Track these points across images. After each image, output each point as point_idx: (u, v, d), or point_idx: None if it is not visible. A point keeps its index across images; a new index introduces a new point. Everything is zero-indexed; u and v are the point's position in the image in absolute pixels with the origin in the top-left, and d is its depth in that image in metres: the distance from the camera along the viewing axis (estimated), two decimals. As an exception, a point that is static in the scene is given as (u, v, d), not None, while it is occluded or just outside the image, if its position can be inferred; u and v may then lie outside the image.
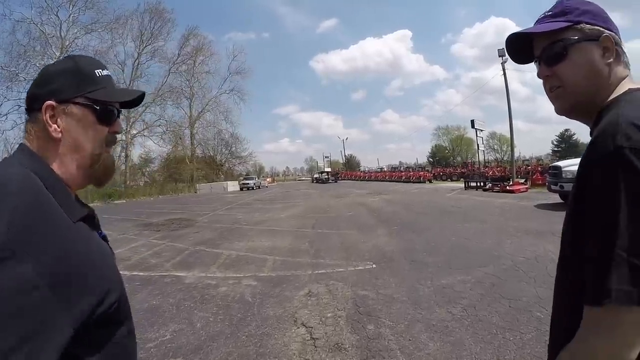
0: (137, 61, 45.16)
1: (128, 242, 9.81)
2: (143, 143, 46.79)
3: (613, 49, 0.84)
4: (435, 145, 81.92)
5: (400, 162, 63.60)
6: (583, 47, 0.85)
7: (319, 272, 6.00)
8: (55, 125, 0.82)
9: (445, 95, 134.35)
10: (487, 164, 40.18)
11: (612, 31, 0.85)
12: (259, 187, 46.94)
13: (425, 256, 6.48)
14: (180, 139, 53.54)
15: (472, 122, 25.59)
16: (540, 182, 21.27)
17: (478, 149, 26.97)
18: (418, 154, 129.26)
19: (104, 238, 0.93)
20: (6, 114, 34.87)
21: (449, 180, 40.10)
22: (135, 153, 50.24)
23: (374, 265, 6.11)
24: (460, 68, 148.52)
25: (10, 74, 34.52)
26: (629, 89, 0.83)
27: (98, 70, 0.90)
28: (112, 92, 0.92)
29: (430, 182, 37.37)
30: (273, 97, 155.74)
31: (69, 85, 0.84)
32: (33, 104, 0.84)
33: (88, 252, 0.78)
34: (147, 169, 52.58)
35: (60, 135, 0.83)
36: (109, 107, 0.90)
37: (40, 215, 0.69)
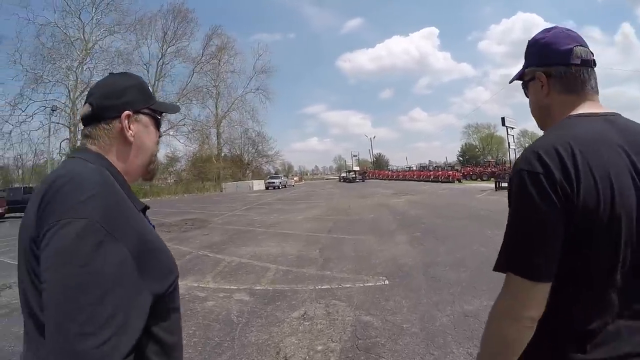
0: (160, 61, 45.34)
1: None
2: (169, 143, 46.97)
3: (546, 84, 1.03)
4: (465, 144, 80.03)
5: (429, 161, 61.82)
6: (530, 86, 1.11)
7: (323, 287, 5.20)
8: (131, 131, 1.01)
9: (474, 93, 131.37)
10: None
11: (552, 62, 1.02)
12: (285, 186, 46.53)
13: (447, 271, 5.58)
14: (207, 138, 53.57)
15: (503, 119, 24.39)
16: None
17: (509, 147, 25.62)
18: (448, 152, 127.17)
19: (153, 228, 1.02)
20: (32, 115, 35.66)
21: (479, 180, 38.81)
22: (162, 152, 50.49)
23: (386, 282, 5.26)
24: (488, 65, 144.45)
25: (36, 76, 35.15)
26: (569, 115, 0.98)
27: (150, 87, 1.19)
28: (163, 105, 1.15)
29: (460, 181, 36.09)
30: (301, 96, 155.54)
31: (139, 99, 1.05)
32: (107, 113, 0.99)
33: (154, 236, 0.94)
34: (174, 168, 52.78)
35: (133, 138, 1.01)
36: (160, 116, 1.13)
37: (120, 205, 0.85)
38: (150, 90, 1.12)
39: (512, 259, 0.90)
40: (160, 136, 1.15)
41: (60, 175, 0.83)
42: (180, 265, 6.16)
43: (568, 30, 1.03)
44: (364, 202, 19.02)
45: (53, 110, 33.49)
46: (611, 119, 0.96)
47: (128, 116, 1.00)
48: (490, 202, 15.69)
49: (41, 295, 0.75)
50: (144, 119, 1.05)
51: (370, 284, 5.19)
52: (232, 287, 5.44)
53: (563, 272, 0.86)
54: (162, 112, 1.13)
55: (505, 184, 21.04)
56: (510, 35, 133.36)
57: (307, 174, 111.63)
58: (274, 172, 59.78)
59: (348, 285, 5.18)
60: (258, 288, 5.34)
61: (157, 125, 1.11)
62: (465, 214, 11.92)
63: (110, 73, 1.09)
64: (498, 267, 0.94)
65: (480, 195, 19.03)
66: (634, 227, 0.85)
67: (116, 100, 1.00)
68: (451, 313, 3.97)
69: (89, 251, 0.73)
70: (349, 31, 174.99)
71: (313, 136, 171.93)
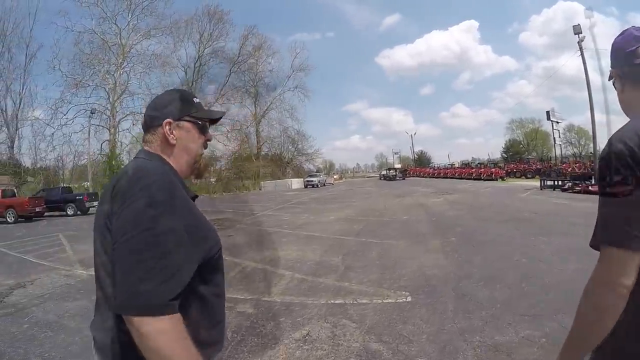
0: (197, 62, 45.77)
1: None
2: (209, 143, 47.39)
3: (619, 82, 1.16)
4: (509, 140, 76.54)
5: (472, 157, 59.85)
6: (615, 85, 1.20)
7: (336, 302, 4.63)
8: (172, 135, 1.23)
9: (517, 87, 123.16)
10: (564, 160, 36.58)
11: (622, 64, 1.14)
12: (323, 184, 46.09)
13: (481, 288, 4.85)
14: (246, 137, 53.82)
15: (548, 113, 23.04)
16: (630, 179, 18.25)
17: (555, 142, 24.06)
18: (491, 148, 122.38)
19: None
20: (73, 118, 36.88)
21: (524, 177, 36.89)
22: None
23: (408, 298, 4.61)
24: (530, 57, 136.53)
25: (75, 81, 36.34)
26: None
27: (195, 99, 1.33)
28: (205, 112, 1.35)
29: (503, 179, 34.38)
30: (341, 94, 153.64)
31: (179, 109, 1.26)
32: (154, 122, 1.25)
33: (200, 214, 1.18)
34: (214, 167, 53.36)
35: (175, 141, 1.23)
36: (204, 122, 1.32)
37: (176, 189, 1.10)
38: (194, 99, 1.32)
39: (609, 232, 0.97)
40: (208, 140, 1.34)
41: (129, 168, 1.15)
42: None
43: (637, 30, 1.11)
44: (401, 201, 18.22)
45: (92, 113, 34.56)
46: None
47: (169, 123, 1.22)
48: (534, 202, 14.56)
49: (111, 265, 1.00)
50: (186, 125, 1.26)
51: (389, 301, 4.56)
52: (238, 296, 4.97)
53: None
54: (204, 118, 1.31)
55: (550, 182, 19.68)
56: (552, 25, 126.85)
57: (348, 172, 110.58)
58: (315, 170, 59.56)
59: (364, 302, 4.57)
60: (265, 299, 4.86)
61: (201, 129, 1.30)
62: (506, 217, 10.96)
63: (167, 91, 1.34)
64: (595, 243, 1.02)
65: (523, 195, 17.81)
66: None
67: (159, 111, 1.24)
68: (480, 343, 3.28)
69: (151, 220, 0.98)
70: (387, 27, 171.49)
71: (355, 134, 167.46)
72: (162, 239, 0.97)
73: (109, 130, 37.00)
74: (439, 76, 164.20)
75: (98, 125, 36.97)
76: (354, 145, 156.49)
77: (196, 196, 1.26)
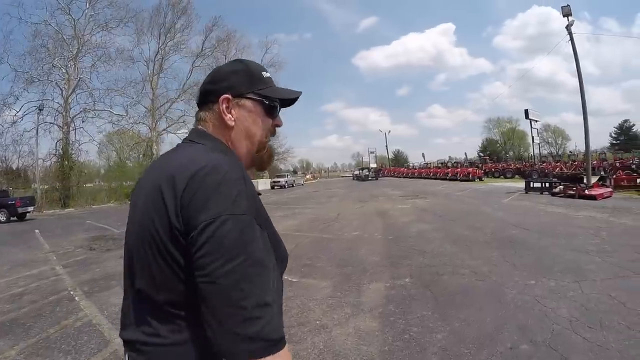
0: (158, 55, 42.01)
1: (32, 266, 7.53)
2: (173, 141, 44.09)
3: None
4: (486, 139, 77.63)
5: (449, 157, 57.91)
6: None
7: None
8: (230, 115, 1.01)
9: (492, 88, 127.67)
10: (543, 159, 34.67)
11: None
12: (292, 185, 43.89)
13: None
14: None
15: (526, 111, 21.08)
16: (625, 182, 15.71)
17: (533, 141, 22.18)
18: (468, 148, 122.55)
19: None
20: (22, 116, 33.14)
21: (503, 177, 34.61)
22: (165, 150, 47.78)
23: None
24: (505, 60, 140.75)
25: (26, 75, 32.67)
26: None
27: (263, 72, 1.07)
28: (277, 90, 1.08)
29: (481, 179, 31.93)
30: (319, 94, 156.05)
31: (242, 83, 1.02)
32: (209, 97, 1.03)
33: (269, 217, 0.97)
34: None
35: (233, 123, 1.01)
36: (274, 102, 1.07)
37: (257, 197, 0.90)
38: (262, 73, 1.08)
39: None
40: (277, 125, 1.12)
41: (199, 165, 0.86)
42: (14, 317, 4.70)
43: None
44: (361, 208, 15.20)
45: (40, 110, 30.94)
46: None
47: (226, 100, 1.01)
48: (521, 211, 11.66)
49: (173, 277, 0.85)
50: (248, 103, 1.04)
51: None
52: None
53: None
54: (275, 98, 1.07)
55: (537, 184, 16.96)
56: (526, 29, 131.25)
57: (323, 172, 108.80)
58: (292, 170, 57.69)
59: None
60: None
61: (269, 111, 1.07)
62: (488, 236, 8.00)
63: (230, 61, 1.11)
64: None
65: (506, 200, 14.95)
66: None
67: (217, 84, 1.03)
68: None
69: (250, 243, 0.80)
70: (365, 29, 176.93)
71: (333, 133, 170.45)
72: (263, 266, 0.81)
73: (62, 128, 33.36)
74: (415, 77, 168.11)
75: (52, 124, 33.13)
76: (332, 144, 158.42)
77: (259, 193, 1.07)
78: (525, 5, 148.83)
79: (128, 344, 0.94)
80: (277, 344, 0.78)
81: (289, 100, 1.13)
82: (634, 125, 62.08)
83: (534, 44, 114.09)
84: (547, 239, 7.29)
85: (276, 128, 1.11)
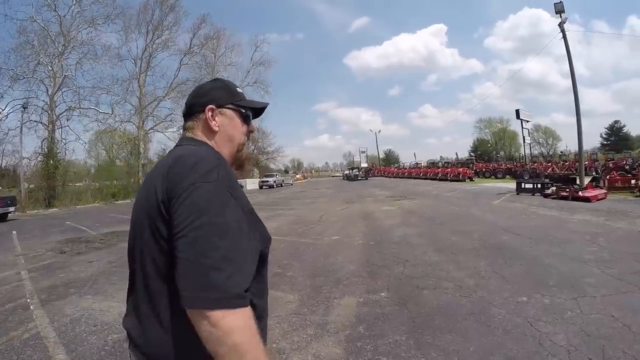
0: (145, 52, 40.93)
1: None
2: (161, 140, 43.30)
3: None
4: (477, 139, 78.26)
5: (440, 157, 57.53)
6: None
7: None
8: (215, 122, 1.18)
9: (483, 89, 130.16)
10: (534, 159, 34.37)
11: None
12: (281, 185, 43.22)
13: None
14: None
15: (517, 111, 20.65)
16: (619, 183, 15.23)
17: (524, 141, 21.68)
18: (459, 148, 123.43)
19: None
20: (7, 114, 32.16)
21: (493, 177, 34.17)
22: (152, 151, 47.03)
23: None
24: (496, 61, 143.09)
25: (10, 73, 31.61)
26: None
27: (238, 88, 1.28)
28: (249, 101, 1.28)
29: (472, 180, 31.40)
30: (310, 94, 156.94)
31: (223, 96, 1.21)
32: (195, 109, 1.20)
33: (250, 205, 1.08)
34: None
35: (217, 128, 1.19)
36: (248, 111, 1.26)
37: (233, 177, 1.03)
38: (237, 89, 1.28)
39: None
40: (251, 131, 1.29)
41: (182, 153, 1.04)
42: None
43: None
44: (347, 209, 14.57)
45: (24, 108, 29.96)
46: None
47: (211, 109, 1.18)
48: (513, 214, 11.07)
49: (163, 255, 0.95)
50: (229, 112, 1.21)
51: None
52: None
53: None
54: (248, 107, 1.26)
55: (529, 185, 16.42)
56: (517, 31, 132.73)
57: (313, 171, 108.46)
58: (283, 170, 57.04)
59: None
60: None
61: (244, 119, 1.25)
62: (476, 242, 7.39)
63: (210, 80, 1.32)
64: None
65: (497, 202, 14.37)
66: None
67: (202, 98, 1.21)
68: None
69: (219, 206, 0.91)
70: (356, 29, 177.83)
71: (324, 133, 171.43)
72: (232, 227, 0.90)
73: (47, 127, 32.38)
74: (406, 78, 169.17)
75: (38, 122, 32.11)
76: (323, 144, 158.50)
77: (241, 186, 1.18)
78: (516, 7, 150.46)
79: (129, 333, 1.03)
80: (237, 299, 0.84)
81: (258, 110, 1.32)
82: (624, 126, 63.08)
83: (525, 45, 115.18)
84: (540, 246, 6.69)
85: (250, 133, 1.29)
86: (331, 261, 6.46)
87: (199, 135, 1.18)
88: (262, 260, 1.06)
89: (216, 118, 1.18)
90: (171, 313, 0.93)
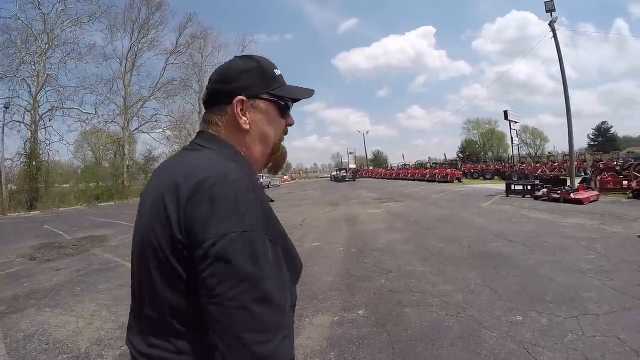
0: (130, 52, 40.07)
1: None
2: (146, 141, 42.54)
3: None
4: (466, 140, 78.35)
5: (429, 157, 57.42)
6: None
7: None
8: (245, 118, 0.92)
9: (471, 90, 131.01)
10: (522, 160, 34.37)
11: None
12: (267, 186, 42.44)
13: None
14: (190, 135, 48.82)
15: (506, 113, 20.65)
16: (611, 185, 14.91)
17: (512, 142, 21.58)
18: (447, 149, 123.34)
19: None
20: None
21: (482, 178, 33.91)
22: (138, 152, 46.24)
23: None
24: (484, 63, 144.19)
25: None
26: None
27: (276, 70, 0.99)
28: (290, 89, 1.00)
29: (460, 181, 31.12)
30: None
31: (256, 83, 0.93)
32: (220, 98, 0.93)
33: (287, 234, 0.90)
34: (151, 167, 48.38)
35: (249, 127, 0.93)
36: (287, 102, 0.99)
37: (270, 209, 0.83)
38: (275, 71, 0.99)
39: None
40: (289, 124, 1.04)
41: (203, 172, 0.80)
42: None
43: None
44: (331, 212, 14.03)
45: (7, 108, 29.08)
46: None
47: (241, 102, 0.92)
48: (504, 218, 10.59)
49: (178, 288, 0.79)
50: (264, 105, 0.95)
51: None
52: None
53: None
54: (288, 98, 1.00)
55: (519, 187, 16.02)
56: (505, 33, 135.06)
57: (301, 172, 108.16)
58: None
59: None
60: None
61: (282, 111, 0.99)
62: (466, 250, 6.87)
63: (235, 57, 1.00)
64: None
65: (487, 204, 13.91)
66: None
67: (229, 85, 0.93)
68: None
69: (262, 264, 0.74)
70: (345, 31, 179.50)
71: (313, 134, 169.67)
72: (272, 287, 0.74)
73: (30, 127, 31.49)
74: (395, 79, 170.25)
75: (21, 122, 31.13)
76: (312, 145, 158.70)
77: (272, 200, 0.85)
78: (504, 10, 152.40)
79: (131, 354, 0.90)
80: None
81: (300, 99, 1.06)
82: (611, 127, 63.59)
83: (513, 48, 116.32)
84: (534, 254, 6.19)
85: (289, 127, 1.05)
86: (308, 272, 5.90)
87: (223, 134, 0.95)
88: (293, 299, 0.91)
89: (247, 113, 0.94)
90: (164, 335, 0.81)
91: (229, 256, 0.72)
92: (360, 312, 4.19)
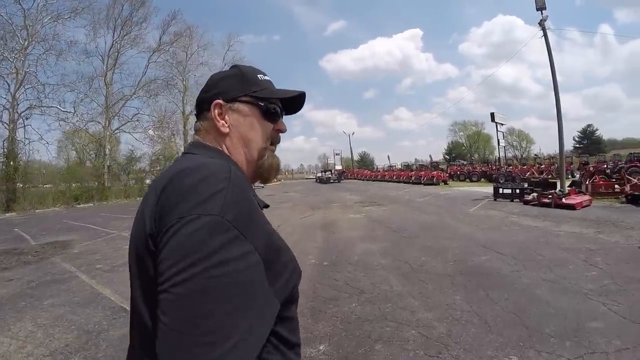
0: (112, 49, 38.86)
1: None
2: (129, 141, 41.43)
3: None
4: (452, 142, 79.09)
5: (415, 159, 57.10)
6: None
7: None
8: (223, 121, 0.89)
9: (458, 93, 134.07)
10: (509, 161, 34.29)
11: None
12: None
13: None
14: (174, 135, 47.63)
15: (492, 114, 20.38)
16: (603, 189, 14.36)
17: (499, 144, 21.26)
18: (433, 151, 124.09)
19: None
20: None
21: (468, 180, 33.37)
22: (121, 150, 45.06)
23: None
24: (470, 66, 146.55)
25: None
26: None
27: (260, 75, 0.95)
28: (274, 90, 0.95)
29: (446, 183, 30.53)
30: None
31: (233, 86, 0.91)
32: (202, 106, 0.92)
33: (278, 235, 0.79)
34: (133, 168, 47.08)
35: (228, 130, 0.89)
36: (272, 105, 0.93)
37: (250, 201, 0.72)
38: (258, 76, 0.95)
39: None
40: (279, 130, 0.97)
41: (182, 167, 0.74)
42: None
43: None
44: (310, 217, 13.21)
45: None
46: None
47: (218, 105, 0.90)
48: (493, 225, 9.84)
49: (152, 297, 0.66)
50: (242, 107, 0.91)
51: None
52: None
53: None
54: (272, 99, 0.94)
55: (507, 191, 15.37)
56: (491, 37, 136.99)
57: (289, 173, 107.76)
58: None
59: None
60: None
61: (266, 114, 0.93)
62: (451, 264, 6.09)
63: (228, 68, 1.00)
64: None
65: (474, 209, 13.18)
66: None
67: (209, 92, 0.93)
68: None
69: (216, 252, 0.62)
70: (333, 32, 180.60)
71: (299, 135, 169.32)
72: (229, 281, 0.61)
73: (8, 126, 30.21)
74: (382, 81, 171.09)
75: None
76: (299, 146, 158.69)
77: (266, 206, 0.88)
78: (490, 14, 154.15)
79: None
80: None
81: (293, 104, 1.00)
82: (596, 130, 65.04)
83: (499, 51, 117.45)
84: (528, 270, 5.45)
85: (279, 133, 0.98)
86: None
87: (210, 139, 0.90)
88: (289, 300, 0.76)
89: (226, 116, 0.89)
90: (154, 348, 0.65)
91: (179, 237, 0.63)
92: (320, 348, 3.42)
